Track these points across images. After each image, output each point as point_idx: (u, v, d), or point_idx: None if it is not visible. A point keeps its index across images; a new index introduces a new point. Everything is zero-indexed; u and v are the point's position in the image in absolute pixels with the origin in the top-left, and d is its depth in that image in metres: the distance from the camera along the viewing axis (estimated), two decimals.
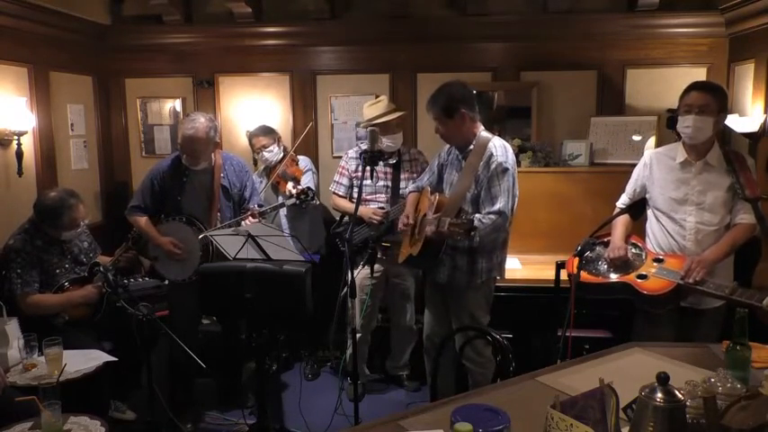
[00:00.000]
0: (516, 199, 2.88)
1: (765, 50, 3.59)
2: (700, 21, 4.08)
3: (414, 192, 3.18)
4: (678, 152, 2.69)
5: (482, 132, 2.89)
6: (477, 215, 2.76)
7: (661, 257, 2.66)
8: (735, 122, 3.67)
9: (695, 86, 2.63)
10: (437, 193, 2.89)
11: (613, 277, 2.72)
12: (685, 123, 2.59)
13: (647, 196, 2.82)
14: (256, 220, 3.27)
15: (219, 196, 3.35)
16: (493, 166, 2.76)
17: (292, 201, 3.31)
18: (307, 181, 3.84)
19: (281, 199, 3.95)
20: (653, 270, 2.61)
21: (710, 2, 4.04)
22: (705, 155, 2.62)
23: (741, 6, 3.74)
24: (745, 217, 2.57)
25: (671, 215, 2.69)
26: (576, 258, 2.84)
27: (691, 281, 2.46)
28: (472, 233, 2.61)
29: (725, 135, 4.03)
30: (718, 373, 1.53)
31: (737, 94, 3.96)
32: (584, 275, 2.76)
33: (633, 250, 2.76)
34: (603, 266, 2.79)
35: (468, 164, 2.83)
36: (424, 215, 2.91)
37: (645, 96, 4.13)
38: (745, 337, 1.67)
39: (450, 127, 2.85)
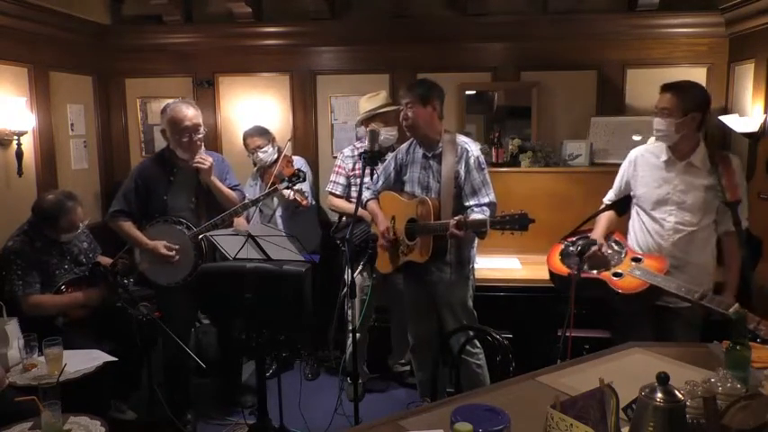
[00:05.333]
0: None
1: (765, 50, 3.58)
2: (700, 21, 4.07)
3: (373, 199, 3.21)
4: (663, 151, 2.69)
5: (445, 131, 2.99)
6: (484, 210, 2.84)
7: (640, 257, 2.65)
8: (735, 122, 3.67)
9: (662, 87, 2.63)
10: (428, 198, 2.90)
11: (590, 273, 2.68)
12: (654, 126, 2.63)
13: (632, 194, 2.81)
14: (244, 213, 3.24)
15: (206, 192, 3.23)
16: (471, 160, 2.91)
17: (285, 185, 3.27)
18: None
19: (276, 201, 3.95)
20: (629, 269, 2.61)
21: (710, 2, 4.03)
22: (689, 155, 2.61)
23: (741, 6, 3.74)
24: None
25: (652, 214, 2.69)
26: (559, 246, 2.86)
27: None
28: (483, 229, 2.75)
29: (725, 135, 4.03)
30: (718, 373, 1.53)
31: (737, 94, 3.96)
32: (562, 268, 2.78)
33: (615, 247, 2.76)
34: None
35: (446, 163, 2.91)
36: (409, 220, 2.96)
37: (645, 96, 4.10)
38: (746, 337, 1.67)
39: (421, 115, 2.93)
